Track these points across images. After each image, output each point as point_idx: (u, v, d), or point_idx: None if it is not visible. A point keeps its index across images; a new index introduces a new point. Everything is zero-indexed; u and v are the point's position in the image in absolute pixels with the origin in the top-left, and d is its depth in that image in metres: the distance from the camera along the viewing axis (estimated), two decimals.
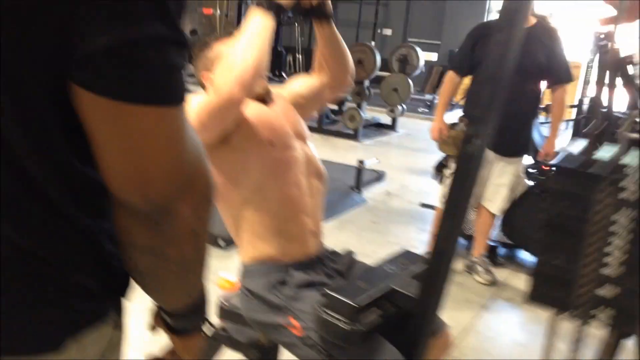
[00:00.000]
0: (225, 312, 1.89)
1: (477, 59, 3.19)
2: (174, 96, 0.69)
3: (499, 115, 1.73)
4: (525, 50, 3.25)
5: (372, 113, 8.66)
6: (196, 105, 1.58)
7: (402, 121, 8.40)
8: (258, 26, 1.56)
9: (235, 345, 1.92)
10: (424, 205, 4.68)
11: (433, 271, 1.56)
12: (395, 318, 1.66)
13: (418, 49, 7.82)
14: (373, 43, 7.76)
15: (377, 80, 7.49)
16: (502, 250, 3.96)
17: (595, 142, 1.46)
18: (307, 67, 12.95)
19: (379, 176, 5.55)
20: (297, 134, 1.81)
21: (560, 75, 3.22)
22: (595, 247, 1.36)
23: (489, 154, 3.35)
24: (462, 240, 4.15)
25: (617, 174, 1.34)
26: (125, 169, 0.69)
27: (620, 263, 1.34)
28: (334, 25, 1.79)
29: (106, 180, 0.70)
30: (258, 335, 1.87)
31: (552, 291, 1.43)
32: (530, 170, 3.68)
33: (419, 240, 4.12)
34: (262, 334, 1.77)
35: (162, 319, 0.97)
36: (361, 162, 5.02)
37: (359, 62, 7.17)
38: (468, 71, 3.37)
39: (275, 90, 1.95)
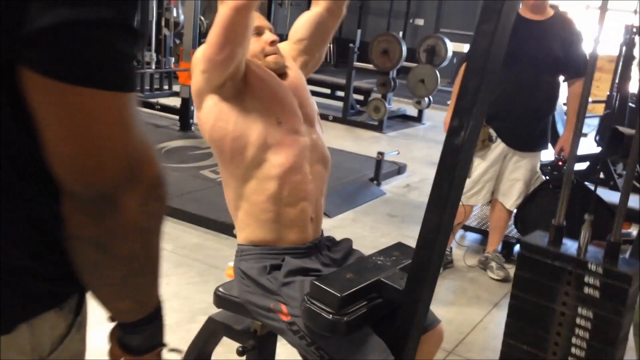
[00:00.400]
0: (221, 300, 1.91)
1: None
2: (120, 82, 0.69)
3: (511, 109, 1.73)
4: (541, 42, 3.22)
5: (399, 104, 8.60)
6: (199, 56, 1.65)
7: (428, 113, 8.31)
8: None
9: (231, 333, 1.94)
10: None
11: (419, 264, 1.55)
12: (384, 310, 1.66)
13: (447, 40, 7.71)
14: (401, 33, 7.70)
15: (404, 71, 7.43)
16: (518, 247, 3.90)
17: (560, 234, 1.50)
18: (339, 57, 12.91)
19: (399, 168, 5.52)
20: (306, 117, 1.80)
21: (577, 68, 3.15)
22: (560, 339, 1.37)
23: (503, 147, 3.30)
24: (477, 235, 4.11)
25: (581, 269, 1.35)
26: (69, 153, 0.69)
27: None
28: None
29: (51, 165, 0.70)
30: (253, 324, 1.88)
31: None
32: (545, 164, 3.62)
33: None
34: (255, 316, 1.78)
35: (116, 335, 0.92)
36: (381, 153, 4.99)
37: (384, 52, 7.12)
38: None
39: (283, 50, 1.91)
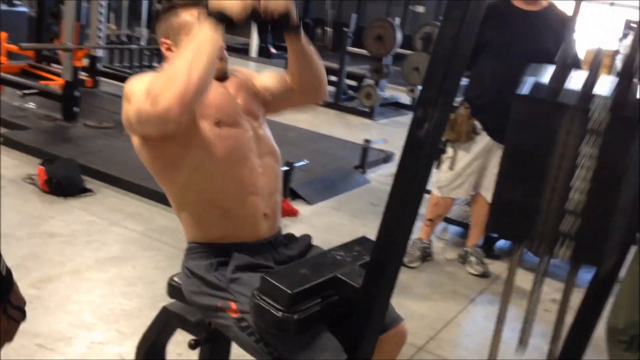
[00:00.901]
0: (175, 290, 1.82)
1: (482, 41, 3.03)
2: None
3: (498, 101, 1.63)
4: (532, 34, 3.10)
5: (393, 92, 8.47)
6: (136, 96, 1.47)
7: None
8: (206, 40, 1.42)
9: (185, 324, 1.85)
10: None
11: (378, 261, 1.46)
12: (340, 308, 1.57)
13: None
14: (398, 19, 7.56)
15: (401, 58, 7.30)
16: (501, 243, 3.82)
17: (565, 70, 1.33)
18: (336, 41, 12.76)
19: (386, 157, 5.42)
20: (247, 111, 1.72)
21: None
22: (559, 179, 1.25)
23: (488, 141, 3.21)
24: (458, 229, 4.03)
25: (585, 102, 1.22)
26: None
27: (584, 194, 1.24)
28: (303, 38, 1.65)
29: None
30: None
31: (511, 223, 1.34)
32: None
33: (416, 226, 3.99)
34: (202, 315, 1.70)
35: None
36: (367, 141, 4.89)
37: (378, 38, 6.99)
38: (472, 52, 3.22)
39: (246, 72, 1.86)
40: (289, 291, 1.43)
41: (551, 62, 3.34)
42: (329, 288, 1.54)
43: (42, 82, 5.77)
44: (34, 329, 2.34)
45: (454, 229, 4.05)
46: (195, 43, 1.43)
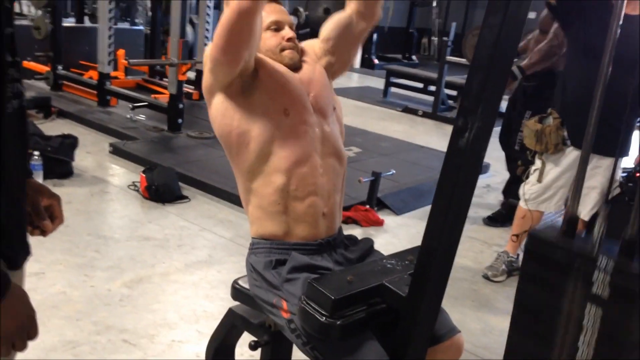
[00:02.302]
0: (237, 292, 1.90)
1: (580, 41, 2.95)
2: None
3: (589, 105, 1.61)
4: (628, 40, 2.93)
5: None
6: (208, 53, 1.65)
7: None
8: None
9: (248, 326, 1.93)
10: (510, 203, 4.40)
11: (422, 271, 1.46)
12: (388, 316, 1.58)
13: None
14: None
15: None
16: None
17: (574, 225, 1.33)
18: (442, 52, 12.61)
19: (481, 168, 5.28)
20: (317, 109, 1.76)
21: None
22: (565, 341, 1.22)
23: (577, 153, 3.06)
24: None
25: (588, 265, 1.19)
26: None
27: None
28: None
29: None
30: (268, 319, 1.86)
31: None
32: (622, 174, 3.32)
33: (504, 238, 3.87)
34: (263, 311, 1.76)
35: None
36: None
37: None
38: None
39: (309, 46, 1.90)
40: (332, 297, 1.46)
41: None
42: (376, 296, 1.55)
43: (153, 96, 6.17)
44: (121, 325, 2.52)
45: None
46: None
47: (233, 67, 1.61)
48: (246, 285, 1.86)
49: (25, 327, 1.00)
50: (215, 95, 1.70)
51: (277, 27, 1.78)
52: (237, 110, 1.68)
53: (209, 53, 1.63)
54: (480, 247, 3.81)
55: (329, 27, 1.87)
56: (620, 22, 3.25)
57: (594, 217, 3.17)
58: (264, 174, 1.68)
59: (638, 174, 2.86)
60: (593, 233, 1.31)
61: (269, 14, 1.77)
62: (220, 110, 1.70)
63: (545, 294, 1.28)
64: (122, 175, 4.41)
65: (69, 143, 4.23)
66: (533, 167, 3.21)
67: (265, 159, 1.67)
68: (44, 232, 1.22)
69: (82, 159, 4.47)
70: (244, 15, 1.50)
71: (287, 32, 1.78)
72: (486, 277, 3.33)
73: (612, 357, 1.19)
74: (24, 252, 1.09)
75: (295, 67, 1.78)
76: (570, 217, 1.37)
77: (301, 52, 1.83)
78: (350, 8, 1.83)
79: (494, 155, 5.77)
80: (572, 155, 3.09)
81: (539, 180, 3.18)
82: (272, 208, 1.69)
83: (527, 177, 3.31)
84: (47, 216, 1.22)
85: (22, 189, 1.07)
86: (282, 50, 1.77)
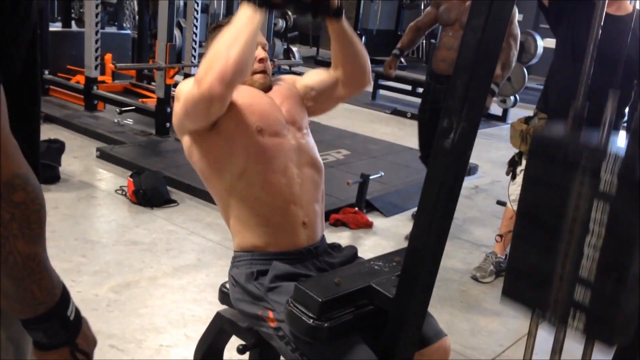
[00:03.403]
0: (225, 296, 1.89)
1: (566, 42, 2.96)
2: None
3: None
4: (617, 40, 2.95)
5: None
6: (184, 92, 1.58)
7: (514, 112, 7.96)
8: (245, 21, 1.50)
9: (235, 329, 1.92)
10: (499, 203, 4.42)
11: (410, 272, 1.46)
12: (376, 318, 1.58)
13: (537, 36, 7.33)
14: None
15: None
16: None
17: (579, 122, 1.27)
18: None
19: (470, 169, 5.31)
20: (290, 121, 1.76)
21: None
22: (571, 244, 1.18)
23: None
24: None
25: (596, 162, 1.14)
26: None
27: (595, 264, 1.16)
28: (344, 21, 1.70)
29: None
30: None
31: (525, 289, 1.27)
32: None
33: (492, 239, 3.88)
34: (249, 323, 1.75)
35: None
36: None
37: None
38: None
39: (290, 79, 1.92)
40: (320, 299, 1.46)
41: (632, 71, 3.16)
42: (364, 297, 1.55)
43: (141, 100, 6.14)
44: (108, 331, 2.50)
45: None
46: (235, 24, 1.50)
47: (224, 104, 1.58)
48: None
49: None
50: (185, 136, 1.71)
51: None
52: (211, 144, 1.68)
53: (184, 96, 1.58)
54: (468, 248, 3.82)
55: (314, 79, 1.87)
56: (603, 23, 3.26)
57: None
58: (240, 189, 1.68)
59: None
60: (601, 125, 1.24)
61: None
62: (193, 151, 1.71)
63: (550, 195, 1.22)
64: (109, 179, 4.38)
65: (56, 148, 4.20)
66: (520, 168, 3.22)
67: (241, 176, 1.67)
68: None
69: (69, 164, 4.44)
70: (216, 100, 1.51)
71: (260, 53, 1.77)
72: (475, 278, 3.34)
73: (620, 260, 1.15)
74: None
75: (267, 88, 1.79)
76: (577, 112, 1.33)
77: (279, 79, 1.85)
78: (335, 73, 1.82)
79: (485, 156, 5.81)
80: None
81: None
82: (252, 221, 1.69)
83: (513, 178, 3.33)
84: None
85: None
86: (254, 73, 1.76)
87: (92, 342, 0.98)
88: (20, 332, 0.91)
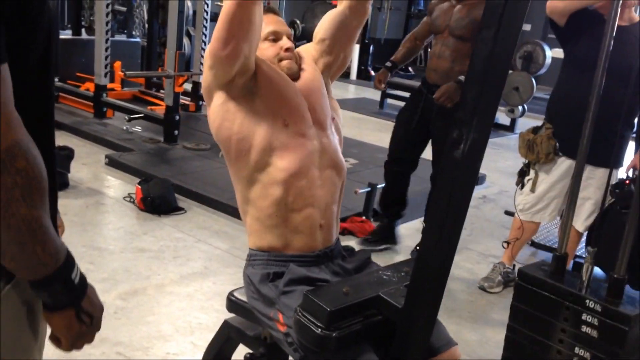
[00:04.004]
0: (233, 304, 1.89)
1: (572, 53, 2.96)
2: None
3: (580, 117, 1.60)
4: (621, 51, 2.95)
5: None
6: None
7: (522, 122, 7.95)
8: None
9: (242, 338, 1.92)
10: (507, 213, 4.41)
11: (419, 282, 1.46)
12: (385, 328, 1.57)
13: (546, 47, 7.32)
14: None
15: None
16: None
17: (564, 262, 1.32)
18: None
19: (477, 179, 5.29)
20: (316, 121, 1.76)
21: None
22: None
23: (572, 164, 3.07)
24: (548, 254, 3.86)
25: (579, 304, 1.19)
26: None
27: None
28: None
29: None
30: (264, 331, 1.85)
31: None
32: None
33: (500, 249, 3.87)
34: (261, 323, 1.75)
35: None
36: None
37: None
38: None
39: (305, 50, 1.90)
40: (328, 309, 1.46)
41: (637, 80, 3.13)
42: (372, 307, 1.55)
43: (149, 108, 6.17)
44: (115, 338, 2.50)
45: (542, 254, 3.89)
46: None
47: (232, 62, 1.59)
48: (242, 297, 1.85)
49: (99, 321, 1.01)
50: (215, 95, 1.69)
51: (275, 37, 1.79)
52: (237, 115, 1.67)
53: (208, 49, 1.63)
54: (476, 258, 3.81)
55: (323, 27, 1.87)
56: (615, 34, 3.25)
57: (590, 230, 3.18)
58: (261, 185, 1.68)
59: (627, 182, 2.86)
60: (582, 272, 1.30)
61: (266, 24, 1.77)
62: (219, 113, 1.69)
63: (535, 332, 1.27)
64: (117, 186, 4.40)
65: (65, 155, 4.22)
66: (527, 177, 3.22)
67: (263, 169, 1.67)
68: None
69: (77, 171, 4.46)
70: (245, 7, 1.51)
71: (285, 43, 1.79)
72: (482, 289, 3.32)
73: None
74: None
75: (294, 77, 1.78)
76: (559, 256, 1.37)
77: (299, 60, 1.84)
78: (342, 5, 1.83)
79: (492, 166, 5.80)
80: (564, 165, 3.10)
81: (532, 190, 3.18)
82: (270, 221, 1.69)
83: (522, 187, 3.32)
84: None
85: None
86: (280, 60, 1.77)
87: (99, 307, 1.01)
88: (32, 295, 0.94)
